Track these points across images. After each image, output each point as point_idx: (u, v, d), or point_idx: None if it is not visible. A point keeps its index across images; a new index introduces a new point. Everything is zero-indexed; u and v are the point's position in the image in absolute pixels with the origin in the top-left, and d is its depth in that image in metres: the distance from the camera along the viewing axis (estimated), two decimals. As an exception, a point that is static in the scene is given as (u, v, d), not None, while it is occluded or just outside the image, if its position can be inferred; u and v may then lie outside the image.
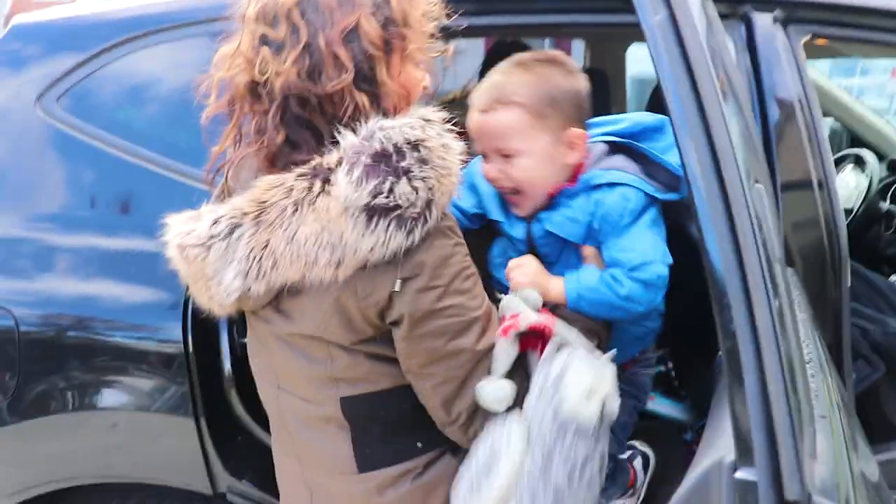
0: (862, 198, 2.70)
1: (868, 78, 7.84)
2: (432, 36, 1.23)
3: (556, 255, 1.50)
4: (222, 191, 1.26)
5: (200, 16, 1.75)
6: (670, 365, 2.48)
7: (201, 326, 1.60)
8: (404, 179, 1.08)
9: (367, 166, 1.08)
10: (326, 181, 1.10)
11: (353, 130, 1.12)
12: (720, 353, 0.97)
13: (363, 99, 1.14)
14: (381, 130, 1.10)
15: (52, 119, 1.73)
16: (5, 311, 1.65)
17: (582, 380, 1.18)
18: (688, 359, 2.44)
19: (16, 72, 1.82)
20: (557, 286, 1.41)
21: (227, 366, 1.64)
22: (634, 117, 1.53)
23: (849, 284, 1.85)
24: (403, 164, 1.09)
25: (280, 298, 1.20)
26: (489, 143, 1.43)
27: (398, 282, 1.12)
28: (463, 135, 1.17)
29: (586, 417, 1.17)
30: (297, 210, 1.11)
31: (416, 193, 1.09)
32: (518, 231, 1.51)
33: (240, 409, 1.65)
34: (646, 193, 1.41)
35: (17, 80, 1.80)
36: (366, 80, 1.14)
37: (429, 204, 1.10)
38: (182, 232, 1.18)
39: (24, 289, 1.69)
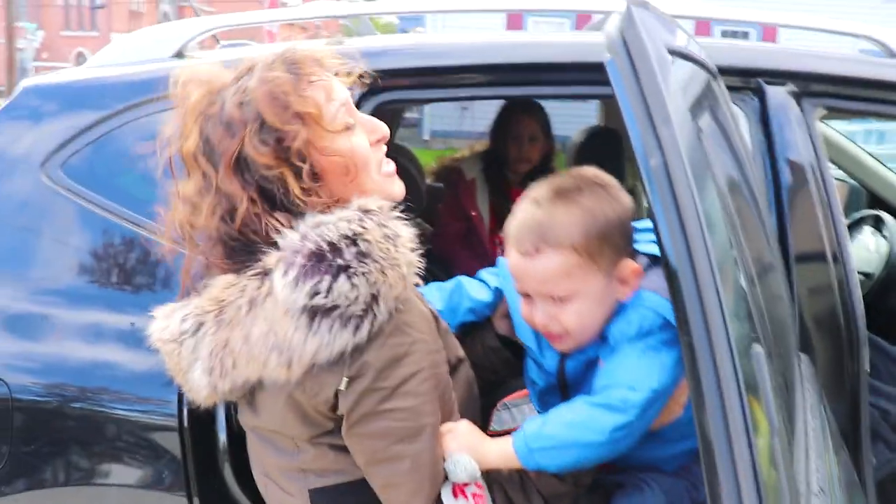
0: (883, 262, 2.63)
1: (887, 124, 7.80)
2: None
3: (589, 385, 1.34)
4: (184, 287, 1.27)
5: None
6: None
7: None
8: (342, 277, 1.05)
9: (303, 266, 1.06)
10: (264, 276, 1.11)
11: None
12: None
13: (279, 220, 1.14)
14: (314, 228, 1.09)
15: (57, 185, 1.72)
16: None
17: None
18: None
19: (23, 135, 1.82)
20: (496, 448, 1.25)
21: (221, 440, 1.60)
22: None
23: (867, 360, 1.79)
24: (340, 261, 1.06)
25: (253, 391, 1.18)
26: (535, 288, 1.30)
27: (344, 380, 1.09)
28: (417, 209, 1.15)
29: None
30: (250, 309, 1.11)
31: (357, 290, 1.05)
32: (550, 363, 1.40)
33: (235, 488, 1.60)
34: (664, 316, 1.26)
35: (24, 144, 1.80)
36: (278, 199, 1.14)
37: (374, 299, 1.07)
38: (160, 327, 1.20)
39: (19, 356, 1.66)
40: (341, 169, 1.18)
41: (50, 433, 1.65)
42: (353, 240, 1.08)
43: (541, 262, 1.26)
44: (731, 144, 1.48)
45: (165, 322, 1.20)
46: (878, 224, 2.82)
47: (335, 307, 1.05)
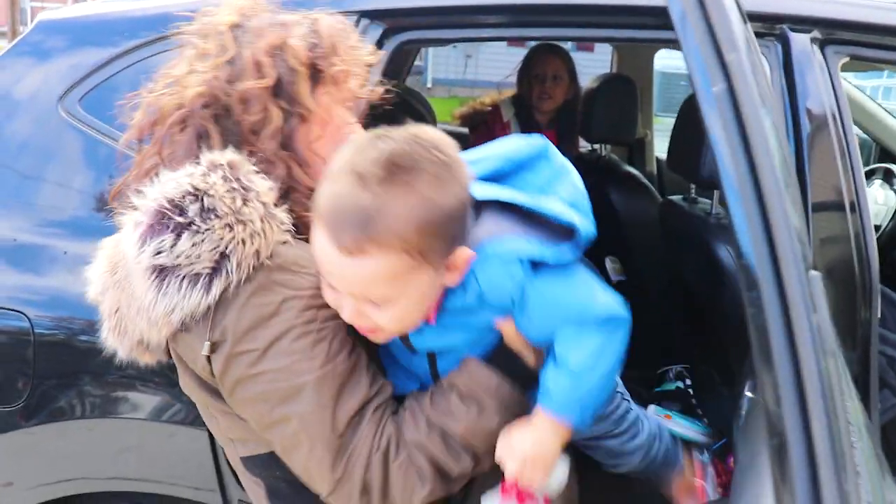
0: (891, 214, 2.64)
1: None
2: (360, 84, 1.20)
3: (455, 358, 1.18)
4: None
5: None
6: (688, 382, 2.46)
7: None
8: (185, 235, 1.02)
9: (149, 225, 1.03)
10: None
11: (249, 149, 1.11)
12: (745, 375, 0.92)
13: (276, 112, 1.10)
14: (160, 186, 1.06)
15: (74, 119, 1.71)
16: (20, 313, 1.64)
17: None
18: (707, 376, 2.42)
19: (39, 69, 1.81)
20: (549, 436, 1.12)
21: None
22: (501, 151, 1.16)
23: (879, 308, 1.81)
24: (182, 218, 1.03)
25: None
26: (348, 288, 1.03)
27: (206, 345, 1.05)
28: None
29: None
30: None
31: (200, 248, 1.02)
32: (419, 368, 1.23)
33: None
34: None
35: (40, 78, 1.78)
36: (285, 94, 1.11)
37: (224, 257, 1.02)
38: (93, 286, 1.18)
39: (39, 291, 1.68)
40: (329, 121, 1.16)
41: (69, 366, 1.67)
42: (196, 196, 1.04)
43: (362, 265, 0.99)
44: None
45: (93, 281, 1.17)
46: (887, 177, 2.83)
47: (178, 266, 1.02)
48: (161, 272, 1.02)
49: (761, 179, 0.71)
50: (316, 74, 1.13)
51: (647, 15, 1.76)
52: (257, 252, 1.04)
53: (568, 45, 4.05)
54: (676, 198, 2.37)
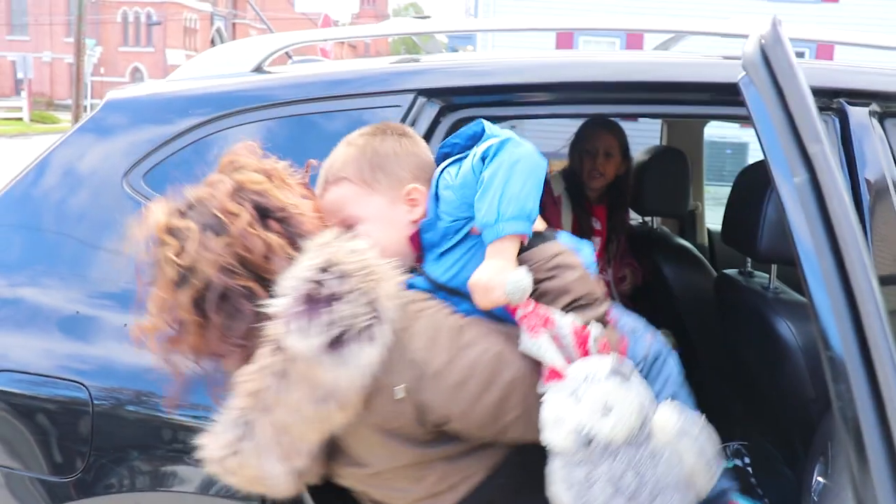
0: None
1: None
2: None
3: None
4: None
5: (280, 98, 1.80)
6: (747, 460, 2.38)
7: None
8: (338, 302, 1.12)
9: (301, 313, 1.11)
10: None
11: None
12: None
13: (273, 237, 1.22)
14: (290, 280, 1.14)
15: (137, 195, 1.76)
16: (79, 384, 1.66)
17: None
18: (767, 454, 2.33)
19: (106, 145, 1.87)
20: (497, 262, 1.33)
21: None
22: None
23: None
24: (327, 291, 1.12)
25: (333, 450, 1.24)
26: (333, 221, 1.43)
27: (401, 388, 1.15)
28: None
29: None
30: (281, 382, 1.15)
31: (354, 304, 1.12)
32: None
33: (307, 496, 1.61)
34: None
35: (107, 155, 1.84)
36: (267, 211, 1.24)
37: (372, 304, 1.13)
38: (211, 447, 1.25)
39: (99, 364, 1.70)
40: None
41: (128, 439, 1.67)
42: (325, 269, 1.14)
43: (327, 197, 1.46)
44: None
45: (212, 439, 1.23)
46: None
47: (347, 329, 1.11)
48: (337, 342, 1.10)
49: (850, 271, 0.69)
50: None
51: (701, 91, 1.76)
52: (387, 292, 1.17)
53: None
54: (732, 271, 2.33)
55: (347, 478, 1.29)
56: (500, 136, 1.41)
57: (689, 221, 3.63)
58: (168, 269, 1.20)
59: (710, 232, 3.74)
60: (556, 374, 1.19)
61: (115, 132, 1.88)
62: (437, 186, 1.46)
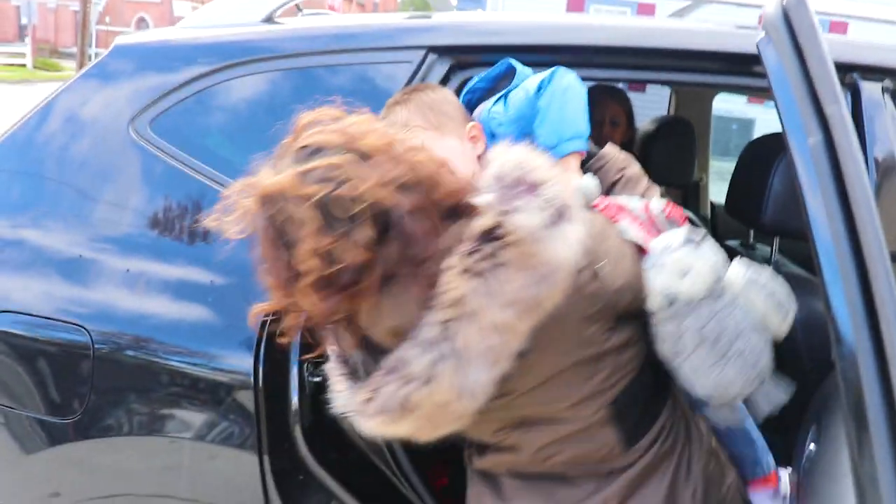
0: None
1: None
2: None
3: None
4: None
5: (287, 50, 1.79)
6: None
7: (272, 361, 1.59)
8: (544, 186, 1.16)
9: (522, 192, 1.15)
10: (495, 238, 1.12)
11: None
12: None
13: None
14: (494, 168, 1.18)
15: (143, 141, 1.76)
16: (80, 327, 1.68)
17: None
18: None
19: (113, 91, 1.86)
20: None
21: (293, 402, 1.63)
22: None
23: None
24: (531, 178, 1.16)
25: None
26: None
27: (600, 266, 1.21)
28: None
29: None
30: (490, 274, 1.12)
31: (554, 185, 1.16)
32: None
33: (303, 449, 1.63)
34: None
35: (113, 101, 1.83)
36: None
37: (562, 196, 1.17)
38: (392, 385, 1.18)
39: (101, 308, 1.71)
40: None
41: (127, 383, 1.69)
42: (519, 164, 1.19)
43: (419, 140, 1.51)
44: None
45: (387, 381, 1.15)
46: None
47: (562, 207, 1.15)
48: (552, 222, 1.14)
49: (862, 233, 0.69)
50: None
51: (712, 60, 1.75)
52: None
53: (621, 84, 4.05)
54: (734, 243, 2.33)
55: (498, 408, 1.25)
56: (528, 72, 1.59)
57: (692, 193, 3.62)
58: (336, 210, 1.10)
59: (712, 204, 3.73)
60: (642, 250, 1.33)
61: (123, 78, 1.87)
62: (488, 125, 1.57)
